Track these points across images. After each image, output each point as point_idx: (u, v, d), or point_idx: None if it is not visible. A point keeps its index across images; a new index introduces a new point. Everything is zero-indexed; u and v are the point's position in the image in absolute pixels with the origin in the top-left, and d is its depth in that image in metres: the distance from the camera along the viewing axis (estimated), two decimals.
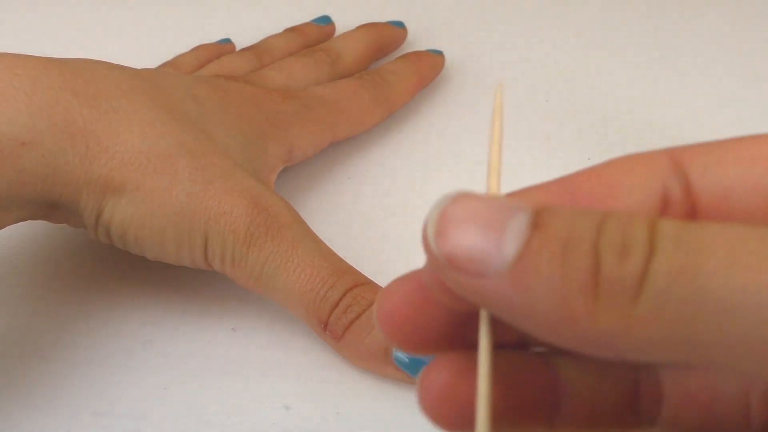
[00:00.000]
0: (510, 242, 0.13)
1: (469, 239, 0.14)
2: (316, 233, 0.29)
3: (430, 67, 0.42)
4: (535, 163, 0.38)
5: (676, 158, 0.16)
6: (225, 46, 0.43)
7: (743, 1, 0.50)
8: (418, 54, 0.42)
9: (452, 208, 0.14)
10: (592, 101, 0.42)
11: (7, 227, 0.27)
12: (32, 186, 0.26)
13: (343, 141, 0.38)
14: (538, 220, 0.14)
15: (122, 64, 0.31)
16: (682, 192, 0.16)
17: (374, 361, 0.27)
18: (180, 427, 0.27)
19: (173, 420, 0.27)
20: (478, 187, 0.15)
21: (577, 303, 0.13)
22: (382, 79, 0.39)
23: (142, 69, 0.32)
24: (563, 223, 0.13)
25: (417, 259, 0.33)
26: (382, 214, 0.35)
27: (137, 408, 0.28)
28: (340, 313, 0.27)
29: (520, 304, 0.13)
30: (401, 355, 0.27)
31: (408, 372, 0.27)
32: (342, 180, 0.37)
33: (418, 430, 0.27)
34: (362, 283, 0.28)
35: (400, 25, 0.44)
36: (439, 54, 0.43)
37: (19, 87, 0.26)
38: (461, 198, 0.14)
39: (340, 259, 0.29)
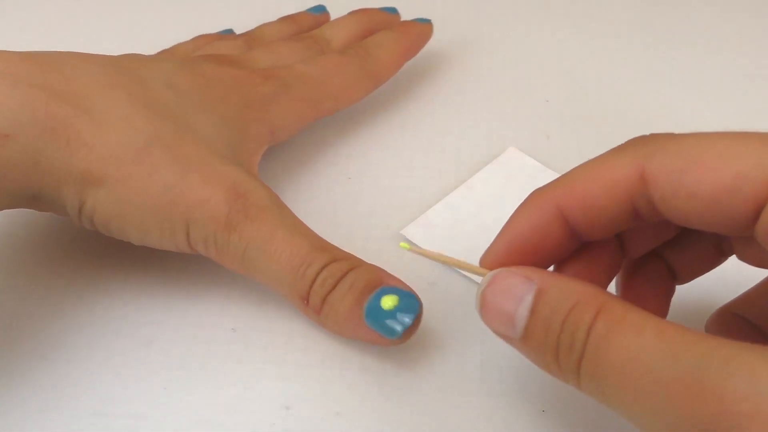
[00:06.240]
0: (519, 326, 0.23)
1: (496, 326, 0.24)
2: (316, 233, 0.29)
3: (416, 35, 0.41)
4: (535, 162, 0.37)
5: (644, 176, 0.22)
6: (225, 36, 0.43)
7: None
8: (404, 23, 0.41)
9: (486, 293, 0.24)
10: (592, 101, 0.42)
11: (6, 228, 0.27)
12: (13, 178, 0.26)
13: (344, 141, 0.38)
14: (534, 309, 0.22)
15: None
16: (648, 207, 0.23)
17: (352, 326, 0.28)
18: (180, 427, 0.27)
19: (173, 420, 0.27)
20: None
21: (552, 367, 0.22)
22: (366, 51, 0.38)
23: (124, 56, 0.32)
24: (544, 319, 0.22)
25: (416, 259, 0.33)
26: (382, 214, 0.35)
27: (137, 408, 0.28)
28: (317, 287, 0.28)
29: (528, 356, 0.23)
30: (371, 320, 0.27)
31: (380, 332, 0.27)
32: (342, 180, 0.37)
33: (418, 430, 0.27)
34: (340, 258, 0.29)
35: (392, 11, 0.43)
36: (426, 22, 0.42)
37: (0, 82, 0.26)
38: (490, 285, 0.24)
39: (320, 238, 0.29)
